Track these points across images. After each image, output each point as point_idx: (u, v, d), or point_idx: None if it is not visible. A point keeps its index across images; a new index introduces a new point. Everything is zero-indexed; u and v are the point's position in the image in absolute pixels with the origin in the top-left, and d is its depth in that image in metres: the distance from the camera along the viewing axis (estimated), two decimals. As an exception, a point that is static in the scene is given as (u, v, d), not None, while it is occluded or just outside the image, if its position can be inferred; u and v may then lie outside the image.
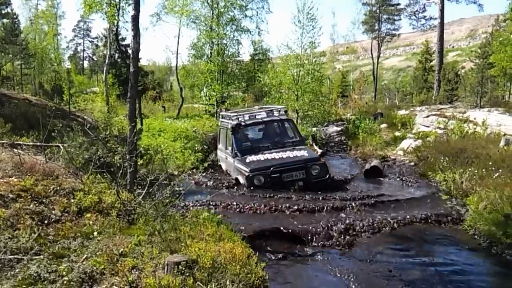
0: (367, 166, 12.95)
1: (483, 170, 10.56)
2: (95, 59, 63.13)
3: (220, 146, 13.28)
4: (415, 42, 70.92)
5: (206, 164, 12.84)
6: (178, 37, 28.59)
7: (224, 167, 12.60)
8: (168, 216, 6.51)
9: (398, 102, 33.20)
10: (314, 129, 19.74)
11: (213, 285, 4.52)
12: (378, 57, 42.78)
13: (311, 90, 19.75)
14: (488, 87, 24.90)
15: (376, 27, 42.14)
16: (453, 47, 67.73)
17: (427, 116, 18.90)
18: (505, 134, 14.58)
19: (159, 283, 4.40)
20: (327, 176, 10.63)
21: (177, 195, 7.09)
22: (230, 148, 11.53)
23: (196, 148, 14.48)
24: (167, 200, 6.62)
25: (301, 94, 19.76)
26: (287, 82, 20.22)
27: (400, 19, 42.69)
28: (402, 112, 22.46)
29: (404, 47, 75.38)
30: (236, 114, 12.46)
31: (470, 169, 10.63)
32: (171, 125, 18.63)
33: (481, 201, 9.17)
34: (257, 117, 12.32)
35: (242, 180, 10.31)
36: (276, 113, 12.44)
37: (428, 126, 17.94)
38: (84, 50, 67.91)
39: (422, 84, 36.52)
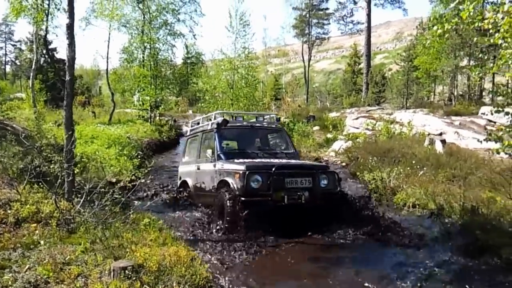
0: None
1: (409, 168, 11.41)
2: (18, 63, 60.41)
3: (185, 159, 11.37)
4: (344, 45, 73.55)
5: (146, 170, 12.72)
6: (109, 41, 28.20)
7: (191, 182, 10.37)
8: (109, 223, 6.61)
9: (329, 104, 34.50)
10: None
11: (160, 287, 4.74)
12: (309, 60, 44.14)
13: (245, 95, 20.20)
14: (413, 89, 26.54)
15: (307, 31, 43.54)
16: (380, 49, 70.93)
17: (357, 118, 19.92)
18: (429, 134, 15.74)
19: (107, 288, 4.56)
20: (338, 189, 8.67)
21: (118, 203, 7.15)
22: (209, 152, 9.35)
23: (132, 155, 14.42)
24: (107, 208, 6.71)
25: (235, 98, 20.14)
26: (221, 86, 20.55)
27: (329, 24, 44.59)
28: (333, 114, 23.47)
29: (333, 50, 77.94)
30: (219, 114, 10.58)
31: (397, 168, 11.44)
32: (104, 131, 18.38)
33: (408, 198, 9.95)
34: (245, 120, 10.74)
35: (233, 183, 8.04)
36: (267, 120, 10.80)
37: (357, 128, 18.92)
38: (6, 54, 64.98)
39: (351, 86, 38.12)
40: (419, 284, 5.67)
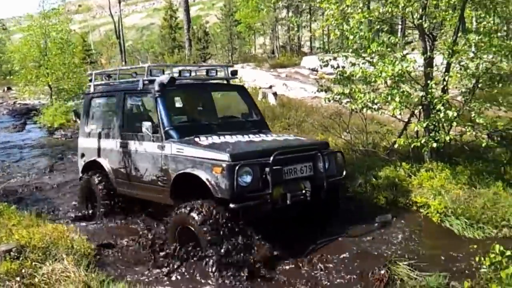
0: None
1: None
2: None
3: (91, 128, 8.52)
4: (155, -4, 73.33)
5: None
6: None
7: (111, 165, 7.91)
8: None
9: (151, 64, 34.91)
10: (72, 103, 19.94)
11: (51, 261, 5.46)
12: (120, 15, 43.59)
13: (63, 62, 19.87)
14: (236, 43, 28.68)
15: (113, -17, 42.81)
16: (194, 1, 72.43)
17: (187, 78, 21.15)
18: (260, 88, 17.71)
19: (-3, 270, 5.14)
20: (343, 175, 7.13)
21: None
22: (147, 125, 6.77)
23: None
24: None
25: (50, 67, 19.70)
26: (32, 55, 19.88)
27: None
28: (159, 75, 24.26)
29: (144, 3, 77.17)
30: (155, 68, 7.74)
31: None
32: None
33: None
34: (192, 75, 7.84)
35: (210, 180, 5.95)
36: (221, 74, 8.02)
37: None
38: None
39: (171, 43, 38.94)
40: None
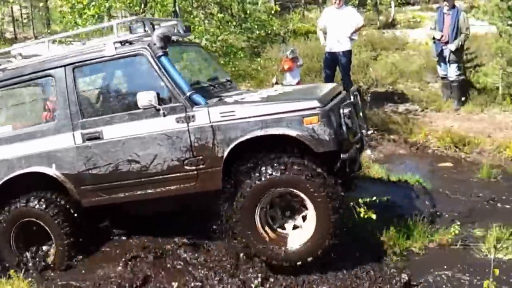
0: None
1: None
2: None
3: (4, 131, 5.90)
4: None
5: None
6: None
7: (67, 170, 5.55)
8: None
9: None
10: None
11: None
12: None
13: None
14: None
15: None
16: None
17: None
18: None
19: None
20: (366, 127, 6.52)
21: None
22: (148, 97, 5.03)
23: None
24: None
25: None
26: None
27: None
28: None
29: None
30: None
31: None
32: None
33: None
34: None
35: (301, 133, 4.83)
36: (178, 30, 6.20)
37: None
38: None
39: None
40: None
